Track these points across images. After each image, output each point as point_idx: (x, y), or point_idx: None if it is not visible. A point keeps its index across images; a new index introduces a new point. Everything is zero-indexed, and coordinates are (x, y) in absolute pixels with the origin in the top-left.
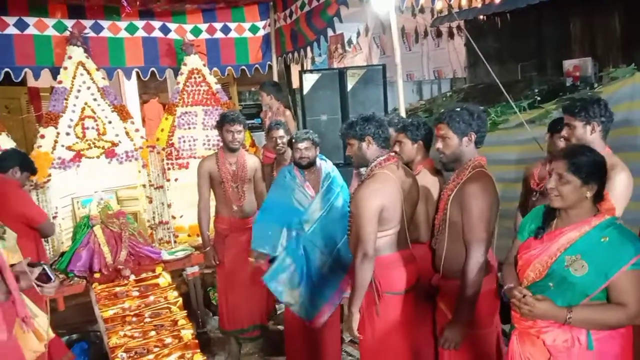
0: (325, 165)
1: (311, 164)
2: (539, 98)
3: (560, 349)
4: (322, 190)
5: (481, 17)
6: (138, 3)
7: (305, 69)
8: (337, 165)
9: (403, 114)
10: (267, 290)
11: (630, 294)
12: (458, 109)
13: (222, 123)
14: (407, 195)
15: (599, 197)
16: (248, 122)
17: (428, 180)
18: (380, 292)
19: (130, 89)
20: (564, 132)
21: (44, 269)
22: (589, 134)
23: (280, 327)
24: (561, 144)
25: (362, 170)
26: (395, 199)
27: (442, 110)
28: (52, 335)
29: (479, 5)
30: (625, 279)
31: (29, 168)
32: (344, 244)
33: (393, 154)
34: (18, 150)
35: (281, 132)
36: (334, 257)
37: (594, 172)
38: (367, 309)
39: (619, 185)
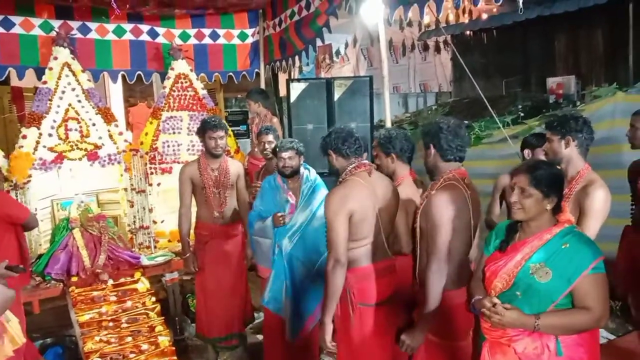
0: (308, 174)
1: (294, 172)
2: (522, 114)
3: (530, 357)
4: (304, 200)
5: (468, 32)
6: (127, 6)
7: (292, 77)
8: (321, 174)
9: (389, 125)
10: (246, 298)
11: (593, 298)
12: (426, 124)
13: (204, 129)
14: (385, 205)
15: (557, 209)
16: (234, 129)
17: (408, 192)
18: (355, 303)
19: (115, 92)
20: (545, 147)
21: None
22: (563, 148)
23: (259, 337)
24: (542, 158)
25: None
26: (366, 205)
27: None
28: (24, 340)
29: (466, 21)
30: (587, 283)
31: None
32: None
33: (366, 162)
34: None
35: (270, 137)
36: (318, 269)
37: (553, 185)
38: (343, 320)
39: (597, 202)
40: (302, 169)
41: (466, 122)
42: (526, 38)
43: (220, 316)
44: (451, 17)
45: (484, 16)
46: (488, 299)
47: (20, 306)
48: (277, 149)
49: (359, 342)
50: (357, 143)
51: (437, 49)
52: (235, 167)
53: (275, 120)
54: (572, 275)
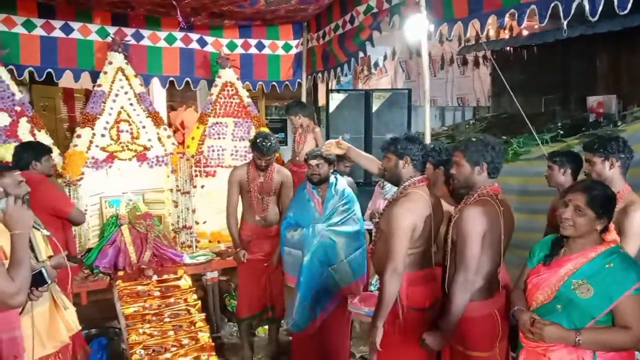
0: (335, 183)
1: (323, 180)
2: (561, 132)
3: None
4: (330, 207)
5: (508, 48)
6: (192, 19)
7: (331, 88)
8: (357, 184)
9: (428, 138)
10: (281, 294)
11: (633, 317)
12: (474, 139)
13: (253, 148)
14: (434, 217)
15: (605, 228)
16: None
17: (447, 204)
18: (405, 307)
19: (159, 96)
20: (585, 168)
21: (40, 271)
22: (607, 169)
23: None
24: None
25: (387, 188)
26: (427, 219)
27: (462, 138)
28: (79, 327)
29: (507, 37)
30: (629, 303)
31: (42, 152)
32: (349, 261)
33: (426, 175)
34: (22, 144)
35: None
36: (330, 272)
37: (607, 207)
38: (390, 323)
39: (637, 222)
40: (331, 177)
41: (504, 137)
42: (567, 56)
43: (260, 295)
44: (492, 33)
45: (525, 32)
46: (527, 314)
47: (70, 296)
48: (307, 157)
49: (405, 344)
50: (425, 156)
51: (476, 64)
52: (281, 175)
53: (318, 129)
54: (614, 294)
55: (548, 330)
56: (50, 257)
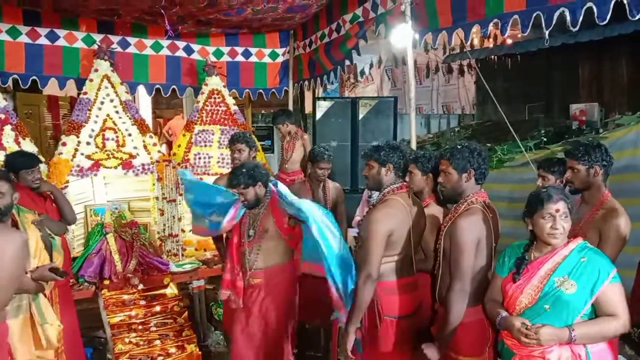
0: (283, 193)
1: (254, 204)
2: (545, 139)
3: None
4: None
5: (492, 57)
6: (179, 28)
7: (317, 95)
8: (344, 190)
9: (414, 146)
10: None
11: (616, 305)
12: (459, 146)
13: (228, 143)
14: (416, 224)
15: None
16: (259, 143)
17: (436, 211)
18: (382, 315)
19: (144, 103)
20: (568, 175)
21: None
22: (591, 176)
23: None
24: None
25: (375, 196)
26: (404, 225)
27: (447, 145)
28: (56, 345)
29: (491, 46)
30: (609, 292)
31: (21, 165)
32: None
33: (406, 183)
34: (7, 155)
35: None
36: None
37: None
38: (370, 330)
39: (617, 229)
40: (271, 187)
41: (489, 145)
42: (550, 65)
43: None
44: (476, 42)
45: (509, 41)
46: (519, 320)
47: (73, 307)
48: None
49: (384, 352)
50: (407, 164)
51: (461, 72)
52: None
53: (307, 136)
54: (595, 286)
55: (544, 333)
56: (37, 267)
